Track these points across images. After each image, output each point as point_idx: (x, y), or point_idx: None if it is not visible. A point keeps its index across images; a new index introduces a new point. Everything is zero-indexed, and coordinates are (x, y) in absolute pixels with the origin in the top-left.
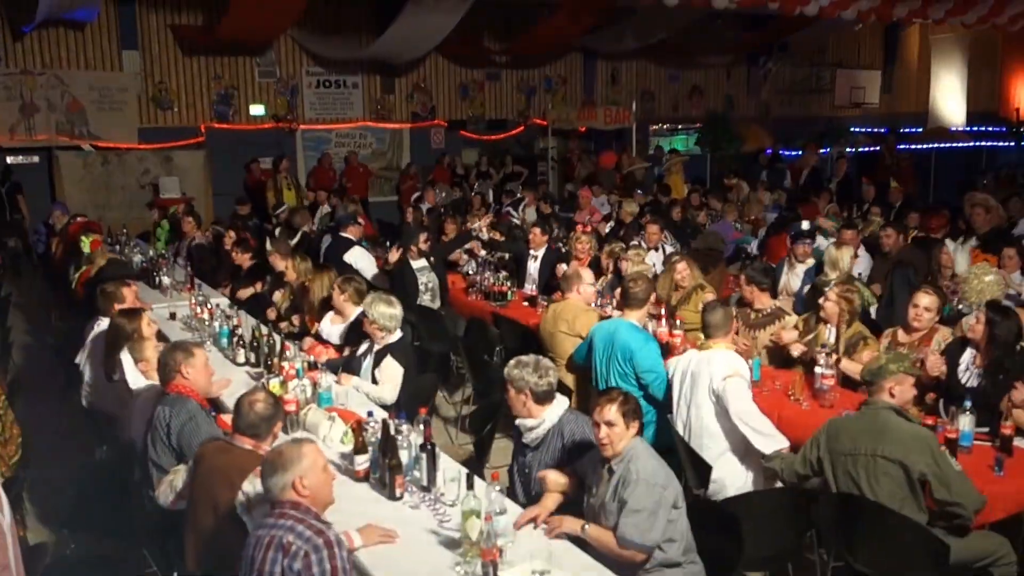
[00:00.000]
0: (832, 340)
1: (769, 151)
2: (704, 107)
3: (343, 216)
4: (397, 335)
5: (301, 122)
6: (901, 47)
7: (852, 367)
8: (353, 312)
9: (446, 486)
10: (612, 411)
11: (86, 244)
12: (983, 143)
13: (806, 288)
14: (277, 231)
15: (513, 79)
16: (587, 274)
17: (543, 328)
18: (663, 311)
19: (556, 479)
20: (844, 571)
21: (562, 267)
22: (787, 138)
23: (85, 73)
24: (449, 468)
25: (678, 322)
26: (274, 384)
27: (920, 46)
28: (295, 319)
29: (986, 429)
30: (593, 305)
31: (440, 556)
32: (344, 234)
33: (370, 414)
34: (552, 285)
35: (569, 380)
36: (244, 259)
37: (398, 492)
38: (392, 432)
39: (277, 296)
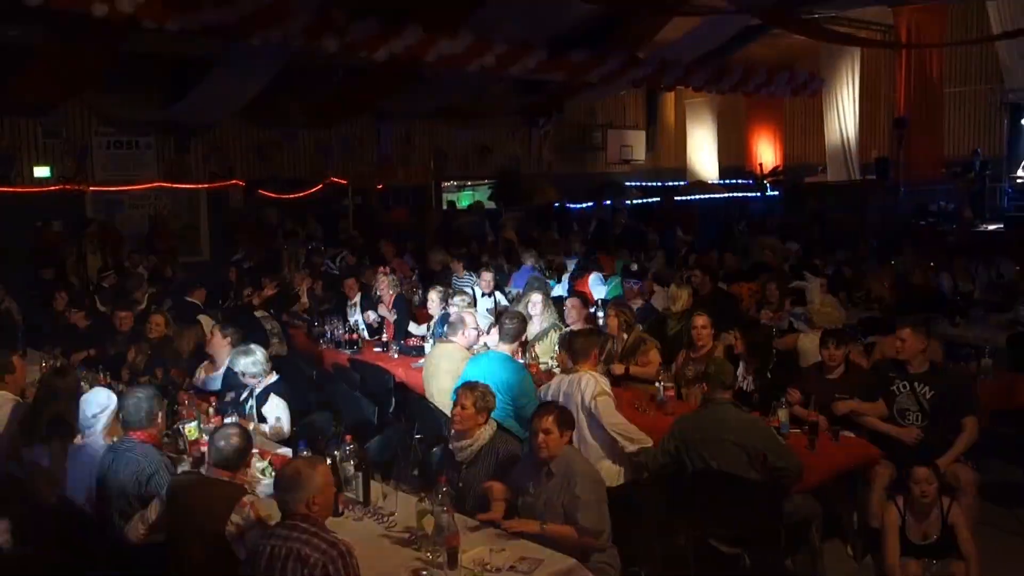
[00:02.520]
0: (617, 348)
1: (556, 205)
2: (492, 165)
3: (186, 280)
4: (274, 377)
5: (92, 184)
6: (660, 109)
7: (638, 371)
8: (227, 358)
9: (384, 500)
10: (550, 420)
11: None
12: (735, 194)
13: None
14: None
15: (310, 139)
16: (470, 319)
17: (427, 370)
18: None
19: (501, 488)
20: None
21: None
22: (570, 192)
23: None
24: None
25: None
26: (190, 428)
27: (676, 108)
28: (158, 372)
29: None
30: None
31: (400, 553)
32: (189, 299)
33: (300, 445)
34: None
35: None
36: (80, 318)
37: (340, 508)
38: (327, 460)
39: (130, 354)
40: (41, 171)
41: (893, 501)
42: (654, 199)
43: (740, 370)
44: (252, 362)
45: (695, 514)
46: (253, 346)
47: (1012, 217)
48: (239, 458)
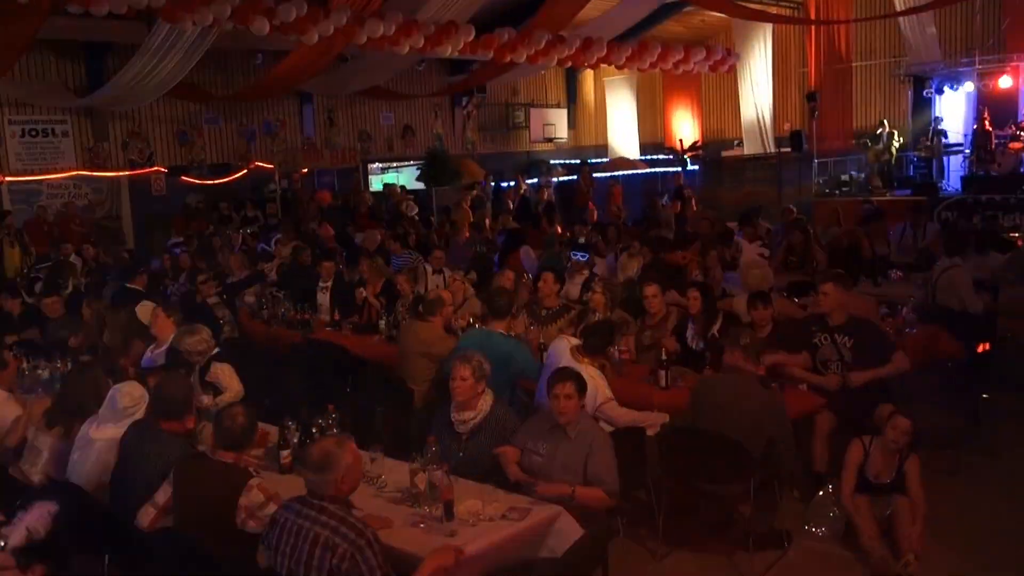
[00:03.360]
0: None
1: (484, 183)
2: (416, 146)
3: (126, 267)
4: (215, 351)
5: (6, 173)
6: (580, 88)
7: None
8: (171, 336)
9: (372, 464)
10: (571, 387)
11: None
12: (657, 169)
13: (585, 295)
14: (37, 285)
15: (232, 123)
16: (449, 298)
17: (402, 345)
18: None
19: (515, 452)
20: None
21: (361, 292)
22: (496, 171)
23: None
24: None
25: None
26: None
27: (596, 87)
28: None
29: None
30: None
31: (397, 510)
32: (131, 285)
33: (287, 420)
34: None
35: (419, 394)
36: (15, 305)
37: None
38: (312, 429)
39: (73, 341)
40: None
41: (860, 440)
42: (572, 177)
43: (689, 331)
44: (197, 340)
45: (680, 465)
46: (198, 325)
47: (919, 184)
48: (245, 438)
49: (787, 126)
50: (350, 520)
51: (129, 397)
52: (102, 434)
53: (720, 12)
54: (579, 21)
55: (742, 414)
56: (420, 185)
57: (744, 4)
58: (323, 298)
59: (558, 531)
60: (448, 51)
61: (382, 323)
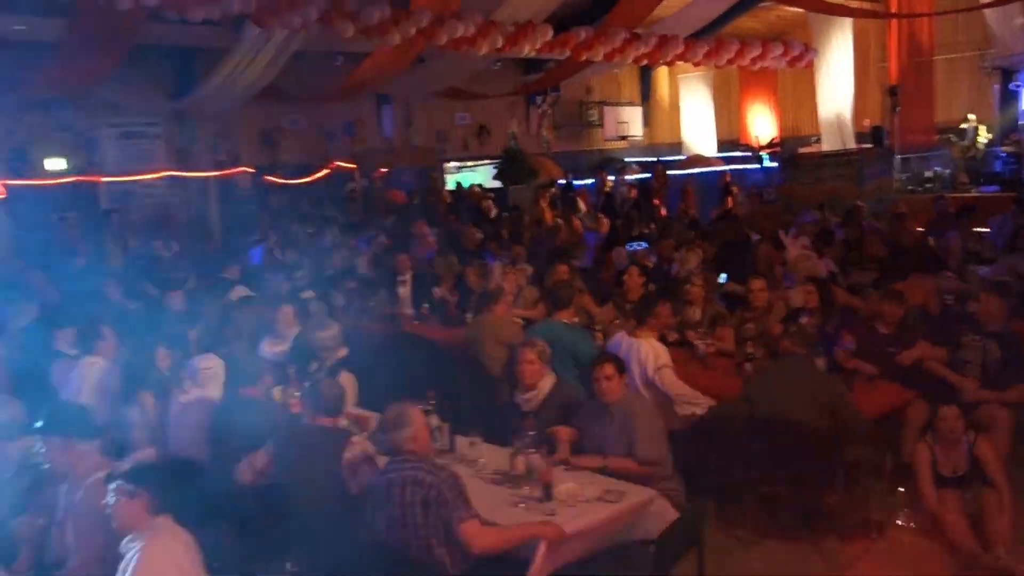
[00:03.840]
0: (698, 316)
1: (561, 182)
2: (491, 144)
3: (216, 259)
4: (344, 351)
5: (104, 174)
6: (654, 85)
7: (718, 345)
8: (292, 332)
9: (471, 448)
10: (611, 368)
11: None
12: (733, 167)
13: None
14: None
15: (313, 124)
16: (508, 287)
17: (470, 340)
18: None
19: (568, 431)
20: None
21: (437, 290)
22: (571, 169)
23: None
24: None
25: None
26: (276, 389)
27: (670, 84)
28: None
29: None
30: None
31: (497, 490)
32: (225, 275)
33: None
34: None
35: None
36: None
37: None
38: None
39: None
40: (55, 163)
41: (924, 439)
42: (646, 175)
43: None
44: (328, 336)
45: (758, 455)
46: (329, 320)
47: (1007, 180)
48: (340, 405)
49: (867, 122)
50: (431, 461)
51: (205, 361)
52: (188, 397)
53: (799, 7)
54: (654, 19)
55: (802, 393)
56: (495, 183)
57: None
58: (403, 291)
59: (653, 514)
60: (526, 50)
61: (469, 316)
